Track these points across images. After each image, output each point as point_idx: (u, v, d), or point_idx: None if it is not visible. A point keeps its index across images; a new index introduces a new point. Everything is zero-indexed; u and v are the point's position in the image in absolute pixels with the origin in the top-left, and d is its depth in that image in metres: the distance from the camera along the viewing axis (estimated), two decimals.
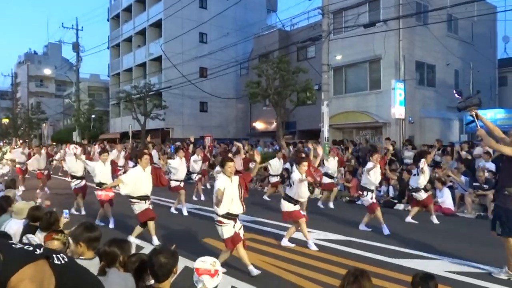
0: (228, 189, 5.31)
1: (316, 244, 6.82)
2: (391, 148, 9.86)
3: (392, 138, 16.42)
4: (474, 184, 10.36)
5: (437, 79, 20.09)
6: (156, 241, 6.99)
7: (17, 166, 14.88)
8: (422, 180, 8.95)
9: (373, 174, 8.20)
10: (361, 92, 19.84)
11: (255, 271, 5.38)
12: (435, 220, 8.93)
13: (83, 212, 9.83)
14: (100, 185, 8.51)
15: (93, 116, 37.52)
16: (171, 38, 28.65)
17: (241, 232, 5.53)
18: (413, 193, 9.17)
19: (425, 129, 18.86)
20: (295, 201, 6.84)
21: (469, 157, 12.16)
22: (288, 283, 5.20)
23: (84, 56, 36.93)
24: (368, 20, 18.53)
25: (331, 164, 11.33)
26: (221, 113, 32.46)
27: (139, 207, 7.01)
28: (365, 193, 8.26)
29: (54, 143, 33.08)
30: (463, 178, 10.54)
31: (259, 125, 28.53)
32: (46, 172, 13.81)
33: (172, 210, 10.32)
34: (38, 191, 11.77)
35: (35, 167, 13.93)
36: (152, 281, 2.73)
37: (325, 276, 5.33)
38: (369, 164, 8.35)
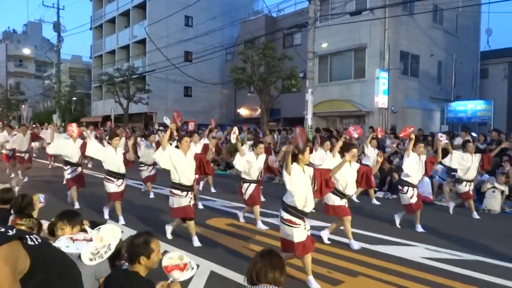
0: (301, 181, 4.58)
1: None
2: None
3: (374, 127, 16.60)
4: (452, 173, 10.56)
5: (420, 70, 20.29)
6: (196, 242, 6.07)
7: (4, 152, 12.91)
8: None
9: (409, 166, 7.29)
10: (346, 80, 19.91)
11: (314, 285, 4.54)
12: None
13: (77, 206, 8.30)
14: (111, 174, 7.32)
15: (74, 98, 36.75)
16: (156, 21, 28.09)
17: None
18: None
19: (407, 119, 19.09)
20: (342, 195, 6.11)
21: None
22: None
23: (65, 37, 36.11)
24: (355, 8, 18.51)
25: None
26: (205, 98, 32.19)
27: (178, 201, 6.03)
28: (405, 188, 7.29)
29: (35, 125, 32.20)
30: (439, 167, 10.70)
31: (243, 112, 28.44)
32: (27, 155, 12.25)
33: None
34: (12, 175, 11.50)
35: (16, 147, 12.22)
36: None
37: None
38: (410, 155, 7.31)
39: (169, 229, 6.37)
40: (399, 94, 19.06)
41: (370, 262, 5.46)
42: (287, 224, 4.52)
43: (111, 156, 7.31)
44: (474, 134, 13.50)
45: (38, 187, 10.19)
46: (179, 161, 5.90)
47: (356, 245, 6.05)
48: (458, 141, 12.44)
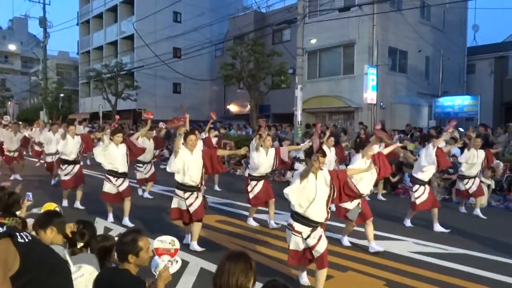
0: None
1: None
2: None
3: (364, 123, 16.69)
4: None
5: (408, 65, 20.44)
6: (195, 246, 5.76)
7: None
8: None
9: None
10: (335, 76, 19.97)
11: None
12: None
13: (80, 207, 8.08)
14: (112, 173, 6.93)
15: (61, 95, 36.27)
16: (144, 16, 27.79)
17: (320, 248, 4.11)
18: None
19: (396, 114, 19.24)
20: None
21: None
22: None
23: (52, 32, 35.57)
24: (343, 4, 18.56)
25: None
26: (194, 94, 32.02)
27: (177, 202, 5.73)
28: (415, 186, 7.00)
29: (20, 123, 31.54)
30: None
31: (233, 108, 28.39)
32: (16, 154, 11.74)
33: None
34: None
35: (5, 145, 11.75)
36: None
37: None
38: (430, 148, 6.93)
39: (192, 244, 5.69)
40: (388, 90, 19.19)
41: (359, 257, 5.52)
42: (287, 227, 4.31)
43: (113, 153, 6.85)
44: (461, 129, 13.67)
45: (27, 185, 10.05)
46: (186, 161, 5.49)
47: (377, 247, 5.68)
48: (445, 136, 12.59)
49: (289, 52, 19.53)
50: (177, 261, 2.75)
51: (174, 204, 5.71)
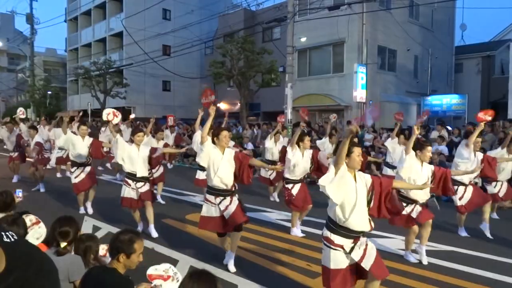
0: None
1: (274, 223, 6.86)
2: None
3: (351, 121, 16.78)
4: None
5: (397, 64, 20.62)
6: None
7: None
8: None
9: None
10: (325, 75, 20.05)
11: None
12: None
13: (86, 210, 7.62)
14: (129, 176, 6.21)
15: (49, 92, 35.83)
16: (133, 14, 27.58)
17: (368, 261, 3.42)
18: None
19: (385, 112, 19.36)
20: (411, 201, 5.17)
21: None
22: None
23: (39, 29, 34.97)
24: (333, 3, 18.62)
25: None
26: (184, 92, 31.90)
27: (207, 209, 4.95)
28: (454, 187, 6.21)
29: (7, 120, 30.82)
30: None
31: (223, 106, 28.30)
32: (16, 154, 11.12)
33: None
34: None
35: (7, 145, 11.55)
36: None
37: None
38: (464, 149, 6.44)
39: (229, 265, 4.87)
40: (377, 88, 19.33)
41: None
42: (324, 243, 3.53)
43: (133, 156, 6.13)
44: (449, 128, 13.82)
45: (17, 184, 9.96)
46: (215, 160, 4.81)
47: (412, 258, 5.31)
48: (434, 134, 12.74)
49: (279, 50, 19.55)
50: (177, 280, 2.75)
51: (203, 212, 4.95)
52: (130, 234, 2.66)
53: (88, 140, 7.63)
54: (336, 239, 3.41)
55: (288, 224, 6.73)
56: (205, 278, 2.18)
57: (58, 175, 12.04)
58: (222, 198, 4.81)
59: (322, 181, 3.33)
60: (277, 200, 9.02)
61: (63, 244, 2.85)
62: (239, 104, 21.16)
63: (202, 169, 7.56)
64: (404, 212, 5.02)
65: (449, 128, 13.85)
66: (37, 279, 1.72)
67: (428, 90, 21.29)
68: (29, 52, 33.26)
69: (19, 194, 4.33)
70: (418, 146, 5.12)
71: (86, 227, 6.50)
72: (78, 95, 35.67)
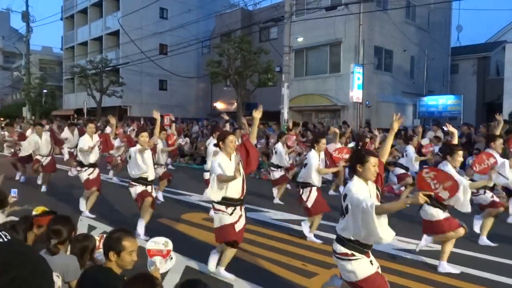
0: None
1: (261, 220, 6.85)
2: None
3: (349, 121, 16.82)
4: (424, 166, 10.82)
5: (394, 65, 20.68)
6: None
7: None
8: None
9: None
10: (321, 75, 20.08)
11: None
12: None
13: (88, 214, 7.30)
14: (136, 180, 6.00)
15: (44, 91, 35.66)
16: (130, 12, 27.49)
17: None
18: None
19: (381, 113, 19.45)
20: (443, 206, 4.88)
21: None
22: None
23: (35, 27, 34.77)
24: (330, 3, 18.65)
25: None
26: (181, 92, 31.85)
27: (224, 218, 4.50)
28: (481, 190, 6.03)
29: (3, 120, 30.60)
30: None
31: (220, 105, 28.30)
32: (48, 159, 9.98)
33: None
34: None
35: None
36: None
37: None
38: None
39: (225, 274, 4.56)
40: (373, 89, 19.38)
41: None
42: (341, 258, 3.27)
43: (146, 158, 5.94)
44: (445, 128, 13.86)
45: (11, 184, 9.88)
46: (226, 169, 4.35)
47: (447, 267, 4.92)
48: (430, 134, 12.80)
49: (276, 50, 19.56)
50: (171, 258, 2.78)
51: (216, 223, 4.53)
52: (119, 232, 2.65)
53: (96, 138, 7.48)
54: (356, 252, 3.22)
55: (284, 224, 6.75)
56: (143, 283, 2.13)
57: (71, 173, 11.52)
58: (233, 208, 4.47)
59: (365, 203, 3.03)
60: (281, 203, 8.80)
61: (53, 242, 2.81)
62: (235, 104, 21.15)
63: None
64: (442, 217, 4.84)
65: (445, 128, 13.90)
66: (35, 279, 1.72)
67: (424, 90, 21.37)
68: (25, 50, 33.08)
69: (14, 194, 4.32)
70: (448, 151, 4.88)
71: (82, 227, 6.47)
72: (74, 94, 35.54)
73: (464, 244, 5.96)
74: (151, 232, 6.22)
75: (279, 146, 9.00)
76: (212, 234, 6.32)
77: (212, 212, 5.54)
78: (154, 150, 6.69)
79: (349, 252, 3.21)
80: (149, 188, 6.10)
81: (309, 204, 5.94)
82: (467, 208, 4.69)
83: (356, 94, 17.53)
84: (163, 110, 27.85)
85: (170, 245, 2.78)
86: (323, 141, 6.12)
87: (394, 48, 20.41)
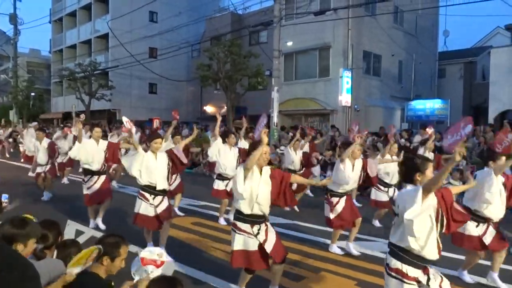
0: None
1: None
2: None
3: (338, 125, 16.98)
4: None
5: (382, 69, 20.90)
6: None
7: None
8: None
9: None
10: (311, 79, 20.22)
11: None
12: None
13: (101, 226, 6.78)
14: (146, 189, 5.34)
15: (32, 94, 35.28)
16: (119, 15, 27.38)
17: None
18: None
19: (370, 117, 19.62)
20: (483, 219, 4.55)
21: (408, 145, 12.83)
22: None
23: (22, 30, 34.33)
24: (319, 8, 18.81)
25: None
26: (171, 95, 31.76)
27: (239, 240, 3.98)
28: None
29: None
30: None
31: (209, 109, 28.28)
32: (48, 167, 9.52)
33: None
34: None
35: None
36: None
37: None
38: None
39: None
40: (362, 93, 19.56)
41: (331, 257, 5.60)
42: (393, 276, 3.02)
43: (150, 165, 5.28)
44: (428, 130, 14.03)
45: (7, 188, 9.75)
46: (254, 184, 3.85)
47: (468, 278, 4.83)
48: (417, 138, 12.96)
49: (265, 54, 19.65)
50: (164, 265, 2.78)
51: (237, 246, 3.93)
52: (117, 238, 2.67)
53: (103, 143, 6.81)
54: (411, 271, 2.96)
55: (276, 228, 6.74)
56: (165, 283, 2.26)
57: (64, 181, 11.45)
58: (258, 226, 3.90)
59: (410, 215, 2.83)
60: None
61: (39, 247, 2.77)
62: (225, 107, 21.18)
63: (222, 178, 7.30)
64: (475, 234, 4.53)
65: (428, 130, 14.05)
66: (23, 283, 1.72)
67: (412, 94, 21.63)
68: (12, 53, 32.76)
69: (5, 199, 4.27)
70: (490, 157, 4.62)
71: (69, 232, 6.43)
72: (62, 97, 35.21)
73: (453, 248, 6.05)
74: (136, 235, 6.21)
75: (288, 150, 8.79)
76: (203, 238, 6.33)
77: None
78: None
79: (401, 267, 3.07)
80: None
81: (333, 215, 5.69)
82: None
83: (345, 98, 17.69)
84: (152, 113, 27.84)
85: (165, 257, 2.78)
86: (358, 148, 5.69)
87: (382, 53, 20.63)
